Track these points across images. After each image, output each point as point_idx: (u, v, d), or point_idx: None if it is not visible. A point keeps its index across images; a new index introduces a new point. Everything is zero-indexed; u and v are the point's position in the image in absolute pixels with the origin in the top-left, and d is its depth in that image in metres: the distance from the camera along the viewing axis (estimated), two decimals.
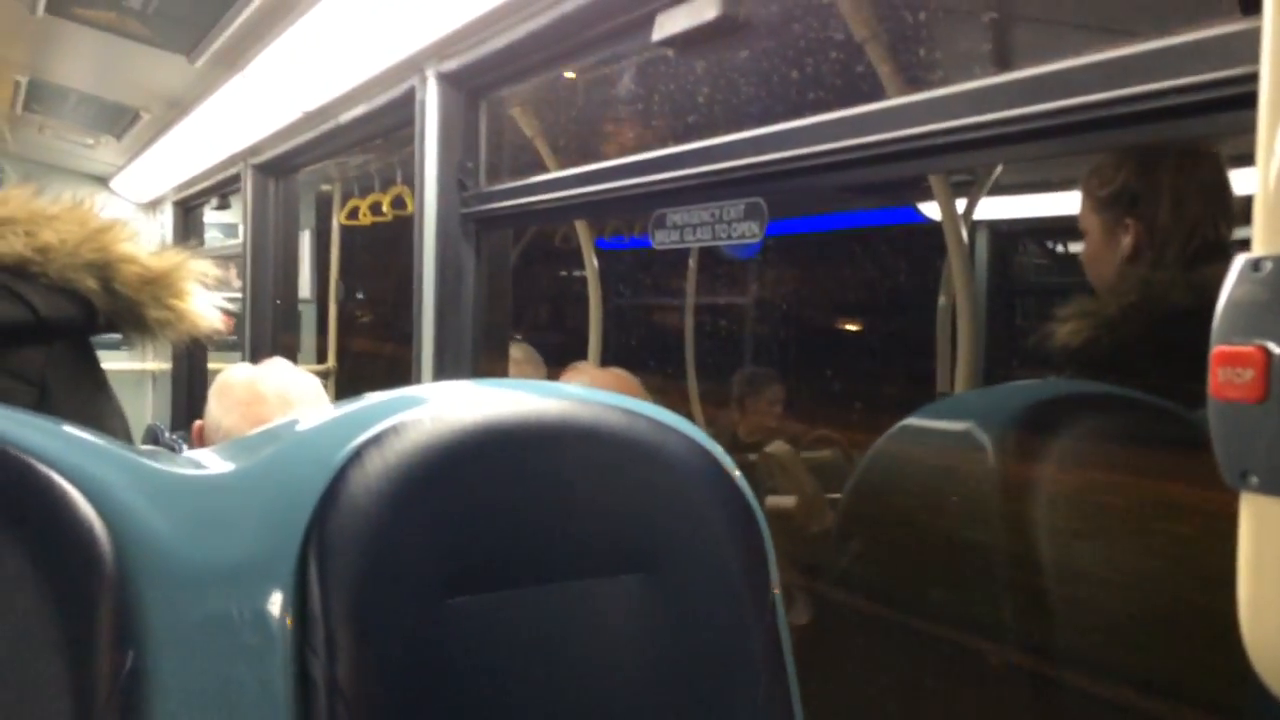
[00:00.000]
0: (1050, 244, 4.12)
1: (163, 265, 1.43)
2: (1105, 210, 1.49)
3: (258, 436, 0.99)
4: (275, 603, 0.84)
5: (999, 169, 3.09)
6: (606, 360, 3.63)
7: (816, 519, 1.68)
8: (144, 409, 5.18)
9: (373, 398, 0.99)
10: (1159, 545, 1.13)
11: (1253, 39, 0.68)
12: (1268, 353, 0.59)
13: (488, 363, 2.09)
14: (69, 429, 0.87)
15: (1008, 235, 3.90)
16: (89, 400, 1.40)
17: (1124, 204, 1.46)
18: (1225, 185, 1.45)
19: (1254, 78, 0.66)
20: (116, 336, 1.47)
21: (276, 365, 1.77)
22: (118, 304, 1.39)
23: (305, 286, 4.73)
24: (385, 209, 4.16)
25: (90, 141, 4.38)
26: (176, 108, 3.36)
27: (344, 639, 0.83)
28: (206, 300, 1.48)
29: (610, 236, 4.87)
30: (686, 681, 0.98)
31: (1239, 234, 1.44)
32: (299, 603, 0.83)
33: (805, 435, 3.51)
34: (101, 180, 5.04)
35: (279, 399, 1.70)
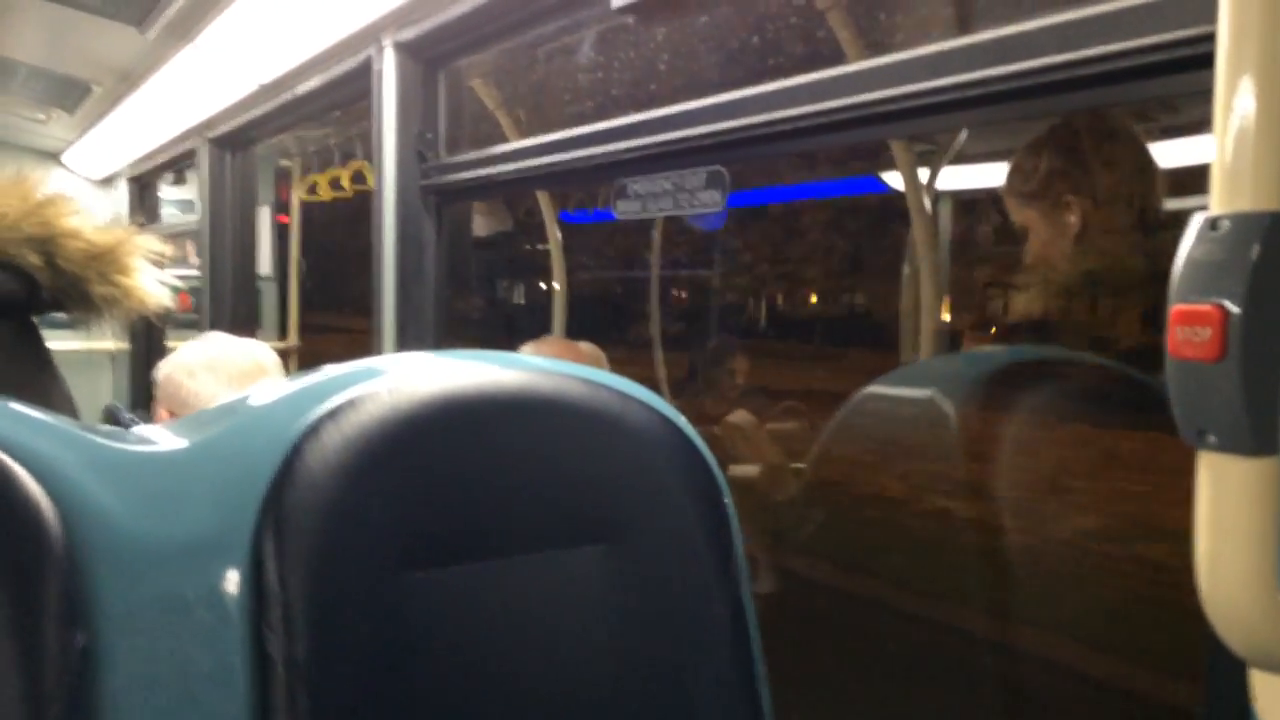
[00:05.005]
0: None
1: (108, 240, 1.39)
2: (1040, 200, 1.50)
3: (210, 412, 0.97)
4: (230, 580, 0.82)
5: (962, 138, 3.10)
6: (571, 333, 3.62)
7: (780, 487, 1.69)
8: (103, 389, 5.10)
9: (329, 370, 0.97)
10: (1117, 507, 1.14)
11: None
12: (1225, 311, 0.59)
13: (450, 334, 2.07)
14: (14, 406, 0.85)
15: (972, 204, 3.91)
16: (33, 383, 1.36)
17: (1058, 186, 1.47)
18: (1147, 152, 1.46)
19: (1211, 38, 0.66)
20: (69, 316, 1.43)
21: (216, 338, 1.74)
22: (61, 281, 1.35)
23: (265, 263, 4.66)
24: (345, 184, 4.10)
25: (41, 116, 4.28)
26: (128, 81, 3.28)
27: (302, 616, 0.82)
28: (154, 277, 1.45)
29: (575, 210, 4.84)
30: (651, 651, 0.97)
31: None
32: (255, 580, 0.82)
33: (772, 406, 3.52)
34: (54, 156, 4.94)
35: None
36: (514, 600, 0.93)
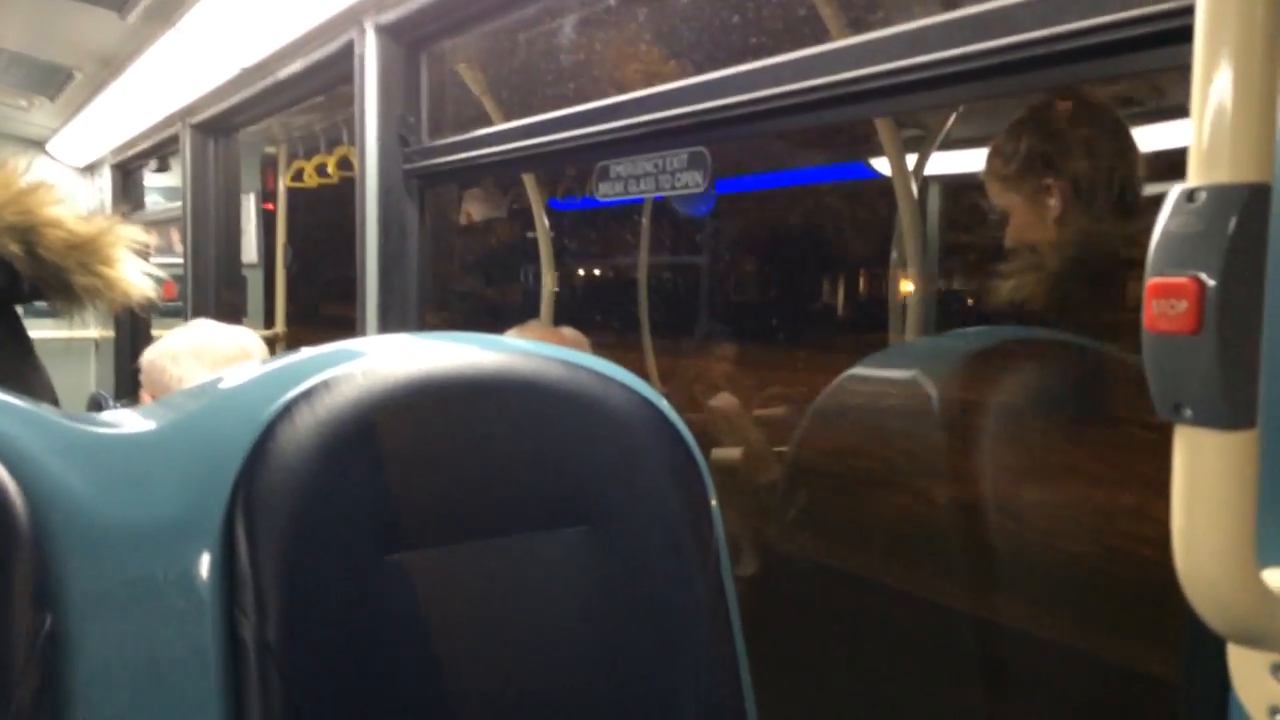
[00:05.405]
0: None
1: (90, 230, 1.37)
2: (1020, 183, 1.49)
3: (181, 395, 0.96)
4: (202, 563, 0.81)
5: (949, 123, 3.08)
6: (560, 320, 3.60)
7: (763, 471, 1.68)
8: (87, 377, 5.07)
9: (305, 353, 0.96)
10: (1093, 486, 1.14)
11: None
12: (1201, 284, 0.59)
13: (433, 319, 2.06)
14: None
15: (960, 190, 3.90)
16: (12, 373, 1.35)
17: (1038, 168, 1.46)
18: (1128, 132, 1.46)
19: (1190, 10, 0.65)
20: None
21: (202, 325, 1.73)
22: (42, 270, 1.34)
23: (251, 251, 4.63)
24: (331, 170, 4.07)
25: (23, 103, 4.24)
26: (110, 66, 3.26)
27: (274, 599, 0.81)
28: (137, 268, 1.43)
29: (563, 197, 4.81)
30: (630, 634, 0.97)
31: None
32: (226, 562, 0.81)
33: (760, 392, 3.51)
34: (38, 144, 4.90)
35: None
36: (491, 583, 0.92)
